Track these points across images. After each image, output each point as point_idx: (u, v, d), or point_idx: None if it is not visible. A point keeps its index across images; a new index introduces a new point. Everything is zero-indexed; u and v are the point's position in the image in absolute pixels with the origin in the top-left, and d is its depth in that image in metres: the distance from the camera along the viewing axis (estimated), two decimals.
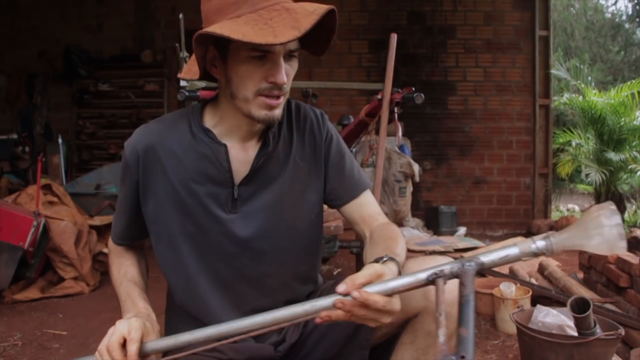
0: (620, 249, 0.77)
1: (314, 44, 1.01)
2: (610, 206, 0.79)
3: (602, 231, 0.76)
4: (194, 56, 1.02)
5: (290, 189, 1.07)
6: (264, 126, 1.04)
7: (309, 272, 1.15)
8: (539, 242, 0.79)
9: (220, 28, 0.89)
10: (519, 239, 3.99)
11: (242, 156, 1.04)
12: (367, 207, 1.14)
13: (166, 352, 0.91)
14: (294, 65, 0.99)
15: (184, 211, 1.03)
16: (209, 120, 1.05)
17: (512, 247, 0.80)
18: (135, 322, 0.89)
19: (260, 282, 1.07)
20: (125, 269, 1.11)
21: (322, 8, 0.90)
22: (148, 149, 1.02)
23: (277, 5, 0.91)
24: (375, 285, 0.82)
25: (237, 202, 1.04)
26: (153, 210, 1.05)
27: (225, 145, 1.02)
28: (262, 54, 0.92)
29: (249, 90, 0.95)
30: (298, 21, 0.88)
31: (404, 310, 1.02)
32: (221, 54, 0.96)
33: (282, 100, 0.98)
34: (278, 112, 0.98)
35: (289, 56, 0.96)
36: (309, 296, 1.15)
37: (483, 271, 0.82)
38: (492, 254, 0.81)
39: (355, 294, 0.80)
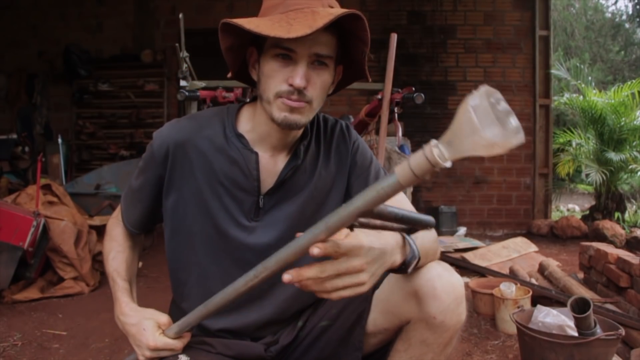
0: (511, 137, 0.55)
1: (355, 63, 1.02)
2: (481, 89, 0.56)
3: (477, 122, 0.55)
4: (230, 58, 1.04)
5: (312, 202, 1.07)
6: (295, 138, 1.04)
7: None
8: (414, 160, 0.61)
9: (240, 20, 0.90)
10: (518, 239, 3.98)
11: (270, 166, 1.04)
12: (400, 205, 1.10)
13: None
14: (322, 74, 0.96)
15: (206, 212, 1.03)
16: (244, 124, 1.05)
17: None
18: (159, 314, 0.98)
19: (270, 291, 1.07)
20: (115, 255, 1.11)
21: (342, 10, 0.89)
22: (178, 145, 1.02)
23: (308, 9, 0.91)
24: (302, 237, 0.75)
25: (260, 211, 1.04)
26: (173, 206, 1.05)
27: (256, 154, 1.02)
28: (285, 53, 0.92)
29: (271, 91, 0.95)
30: (315, 21, 0.87)
31: (397, 316, 1.01)
32: (259, 55, 0.98)
33: (305, 107, 0.95)
34: (299, 118, 0.95)
35: (317, 63, 0.94)
36: (313, 304, 1.15)
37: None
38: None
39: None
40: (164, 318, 0.97)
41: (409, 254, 0.90)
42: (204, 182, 1.02)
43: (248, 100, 1.13)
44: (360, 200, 0.68)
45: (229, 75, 1.09)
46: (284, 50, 0.92)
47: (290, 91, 0.93)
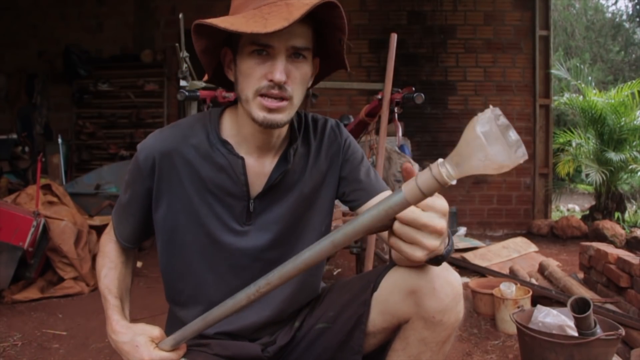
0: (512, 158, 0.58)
1: (332, 53, 1.00)
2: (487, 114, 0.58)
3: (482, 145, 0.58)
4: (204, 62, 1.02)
5: (303, 201, 1.07)
6: (280, 139, 1.03)
7: (313, 283, 1.15)
8: (421, 178, 0.63)
9: (213, 20, 0.88)
10: (518, 239, 3.98)
11: (258, 169, 1.03)
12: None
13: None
14: (302, 67, 0.93)
15: (197, 221, 1.02)
16: (228, 128, 1.03)
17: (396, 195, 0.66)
18: (151, 328, 0.97)
19: (268, 292, 1.07)
20: (106, 273, 1.10)
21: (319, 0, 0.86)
22: (164, 156, 1.00)
23: (281, 1, 0.89)
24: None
25: (252, 215, 1.03)
26: (164, 218, 1.04)
27: (242, 159, 1.00)
28: (262, 49, 0.90)
29: (250, 89, 0.92)
30: (291, 13, 0.85)
31: (395, 316, 1.01)
32: (234, 55, 0.96)
33: (285, 105, 0.93)
34: (280, 117, 0.93)
35: (295, 56, 0.92)
36: (309, 303, 1.15)
37: None
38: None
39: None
40: (156, 331, 0.96)
41: (448, 246, 0.86)
42: (193, 191, 1.01)
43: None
44: (367, 218, 0.68)
45: (205, 78, 1.08)
46: (261, 47, 0.90)
47: (270, 86, 0.91)
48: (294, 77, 0.93)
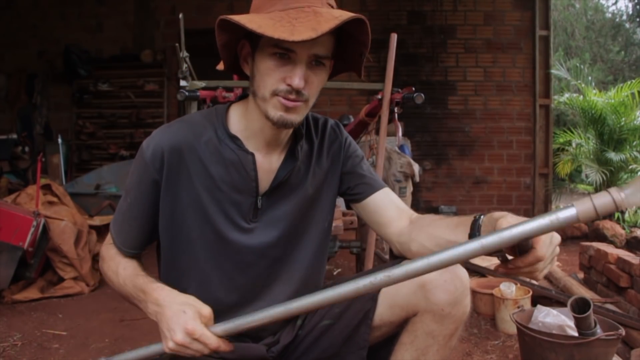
0: None
1: (349, 60, 1.02)
2: None
3: None
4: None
5: (307, 199, 1.08)
6: (287, 135, 1.04)
7: (316, 279, 1.15)
8: (599, 200, 0.72)
9: (241, 18, 0.89)
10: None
11: (265, 165, 1.03)
12: (395, 198, 1.13)
13: None
14: (320, 74, 0.96)
15: (204, 218, 1.01)
16: (235, 123, 1.03)
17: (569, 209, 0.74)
18: (202, 304, 0.91)
19: (272, 289, 1.07)
20: (125, 265, 1.06)
21: (348, 15, 0.88)
22: (174, 150, 0.99)
23: (309, 8, 0.90)
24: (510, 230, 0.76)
25: (258, 212, 1.04)
26: (170, 214, 1.02)
27: (252, 154, 1.01)
28: (284, 52, 0.91)
29: (267, 88, 0.93)
30: (320, 24, 0.86)
31: (404, 309, 1.02)
32: (252, 50, 0.97)
33: (301, 106, 0.95)
34: (295, 117, 0.95)
35: (315, 63, 0.94)
36: None
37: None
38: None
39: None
40: (206, 310, 0.90)
41: None
42: (202, 188, 1.01)
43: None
44: (531, 226, 0.74)
45: (219, 67, 1.09)
46: (283, 50, 0.91)
47: (288, 91, 0.92)
48: (312, 83, 0.94)
